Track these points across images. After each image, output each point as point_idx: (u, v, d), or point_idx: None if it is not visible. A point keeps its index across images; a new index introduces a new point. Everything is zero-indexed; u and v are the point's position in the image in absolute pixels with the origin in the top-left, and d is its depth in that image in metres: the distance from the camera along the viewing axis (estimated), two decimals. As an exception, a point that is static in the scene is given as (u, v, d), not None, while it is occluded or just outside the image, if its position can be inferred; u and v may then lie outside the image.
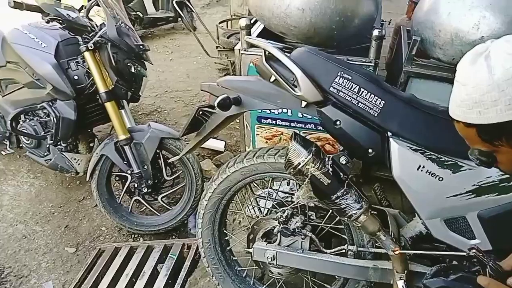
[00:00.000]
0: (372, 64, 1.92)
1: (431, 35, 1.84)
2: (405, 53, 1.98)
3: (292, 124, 2.19)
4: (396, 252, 1.19)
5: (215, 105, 1.26)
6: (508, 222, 1.12)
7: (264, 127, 2.25)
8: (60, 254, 2.23)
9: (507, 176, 1.08)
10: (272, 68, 1.29)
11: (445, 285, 1.12)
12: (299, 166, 1.22)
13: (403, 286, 1.19)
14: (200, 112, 1.44)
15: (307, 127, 2.16)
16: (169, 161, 2.20)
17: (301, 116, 2.11)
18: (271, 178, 1.50)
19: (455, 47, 1.75)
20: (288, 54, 1.29)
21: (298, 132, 1.32)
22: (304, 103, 1.27)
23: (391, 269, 1.27)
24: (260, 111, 2.17)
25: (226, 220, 1.70)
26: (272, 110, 2.16)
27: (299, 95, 1.22)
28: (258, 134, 2.29)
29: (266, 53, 1.30)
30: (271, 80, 1.33)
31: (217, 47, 4.26)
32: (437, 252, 1.12)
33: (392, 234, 1.27)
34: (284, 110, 2.13)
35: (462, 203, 1.15)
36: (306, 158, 1.22)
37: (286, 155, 1.26)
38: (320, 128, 2.01)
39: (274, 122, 2.20)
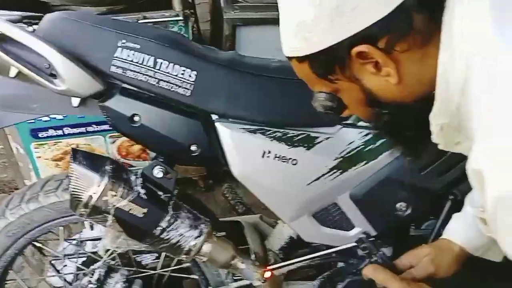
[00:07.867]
0: (181, 18, 1.86)
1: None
2: (221, -4, 1.97)
3: (89, 129, 1.98)
4: (264, 281, 1.14)
5: None
6: (384, 195, 1.17)
7: (46, 144, 1.98)
8: None
9: (371, 136, 1.11)
10: (9, 54, 1.06)
11: (335, 300, 1.14)
12: (92, 201, 1.04)
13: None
14: None
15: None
16: None
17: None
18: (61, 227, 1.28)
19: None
20: (29, 29, 1.08)
21: (77, 147, 1.13)
22: (76, 100, 1.10)
23: (266, 301, 1.22)
24: (33, 121, 1.89)
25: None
26: (52, 116, 1.90)
27: (63, 89, 1.04)
28: (40, 157, 2.01)
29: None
30: (12, 74, 1.10)
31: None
32: (312, 257, 1.11)
33: (255, 255, 1.21)
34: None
35: (328, 186, 1.15)
36: (100, 186, 1.04)
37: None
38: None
39: (59, 132, 1.96)
